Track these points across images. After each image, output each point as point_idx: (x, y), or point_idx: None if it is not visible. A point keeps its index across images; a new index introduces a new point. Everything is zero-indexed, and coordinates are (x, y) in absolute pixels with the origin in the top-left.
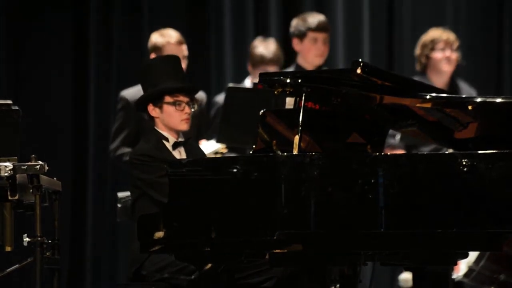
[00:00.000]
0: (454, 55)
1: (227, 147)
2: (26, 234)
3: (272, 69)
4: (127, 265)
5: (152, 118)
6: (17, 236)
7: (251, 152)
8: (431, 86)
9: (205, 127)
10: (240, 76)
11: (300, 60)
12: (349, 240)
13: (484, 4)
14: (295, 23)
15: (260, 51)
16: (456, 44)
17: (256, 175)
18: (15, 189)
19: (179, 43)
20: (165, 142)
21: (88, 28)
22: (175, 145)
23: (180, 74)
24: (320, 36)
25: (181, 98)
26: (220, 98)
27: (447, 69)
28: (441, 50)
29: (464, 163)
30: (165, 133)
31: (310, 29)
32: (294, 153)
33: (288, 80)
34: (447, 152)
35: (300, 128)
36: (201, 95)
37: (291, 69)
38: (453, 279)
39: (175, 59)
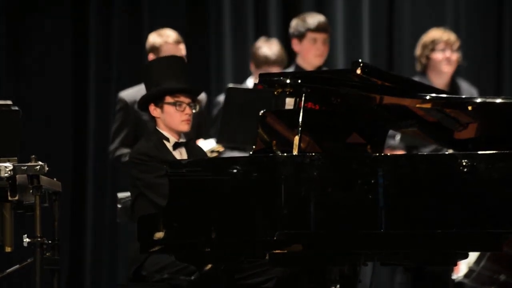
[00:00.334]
0: (455, 56)
1: (224, 146)
2: (26, 235)
3: (275, 70)
4: (127, 265)
5: (153, 118)
6: (17, 237)
7: (251, 152)
8: (431, 86)
9: (205, 127)
10: (240, 77)
11: (300, 61)
12: (349, 240)
13: (484, 4)
14: (294, 23)
15: (264, 52)
16: (456, 45)
17: (256, 176)
18: (15, 190)
19: (177, 42)
20: (165, 142)
21: (88, 28)
22: (176, 146)
23: (183, 75)
24: (320, 36)
25: (182, 98)
26: (222, 98)
27: (447, 70)
28: (441, 51)
29: (464, 163)
30: (166, 133)
31: (310, 30)
32: (294, 154)
33: (288, 81)
34: (447, 153)
35: (300, 128)
36: (201, 95)
37: (290, 69)
38: (453, 280)
39: (179, 60)
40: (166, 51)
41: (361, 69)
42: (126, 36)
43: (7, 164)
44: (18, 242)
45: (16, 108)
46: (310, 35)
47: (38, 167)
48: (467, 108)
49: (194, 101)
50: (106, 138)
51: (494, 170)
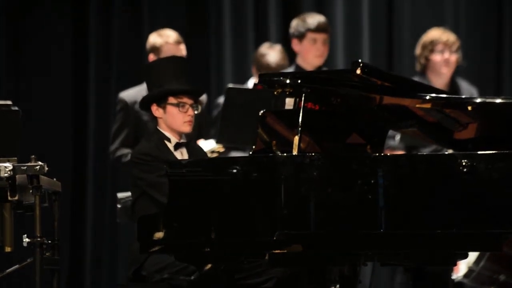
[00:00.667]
0: (454, 57)
1: (224, 147)
2: (26, 235)
3: None
4: (127, 265)
5: (154, 118)
6: (17, 237)
7: (251, 152)
8: (431, 86)
9: (205, 128)
10: (240, 77)
11: (300, 61)
12: (349, 240)
13: (484, 4)
14: (294, 23)
15: (267, 60)
16: (456, 46)
17: (256, 176)
18: (15, 190)
19: (177, 43)
20: (167, 142)
21: (88, 28)
22: (177, 146)
23: (185, 76)
24: (319, 36)
25: (185, 100)
26: (222, 100)
27: (445, 71)
28: (440, 52)
29: (464, 163)
30: (167, 134)
31: (309, 30)
32: (294, 154)
33: (287, 81)
34: (447, 153)
35: (300, 128)
36: (202, 96)
37: (290, 69)
38: (453, 280)
39: (181, 61)
40: (167, 51)
41: (361, 69)
42: (126, 36)
43: (7, 164)
44: (18, 242)
45: (16, 108)
46: (310, 35)
47: (38, 167)
48: (467, 108)
49: (196, 102)
50: (106, 138)
51: (494, 170)
